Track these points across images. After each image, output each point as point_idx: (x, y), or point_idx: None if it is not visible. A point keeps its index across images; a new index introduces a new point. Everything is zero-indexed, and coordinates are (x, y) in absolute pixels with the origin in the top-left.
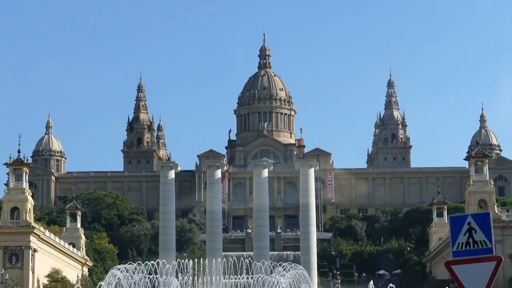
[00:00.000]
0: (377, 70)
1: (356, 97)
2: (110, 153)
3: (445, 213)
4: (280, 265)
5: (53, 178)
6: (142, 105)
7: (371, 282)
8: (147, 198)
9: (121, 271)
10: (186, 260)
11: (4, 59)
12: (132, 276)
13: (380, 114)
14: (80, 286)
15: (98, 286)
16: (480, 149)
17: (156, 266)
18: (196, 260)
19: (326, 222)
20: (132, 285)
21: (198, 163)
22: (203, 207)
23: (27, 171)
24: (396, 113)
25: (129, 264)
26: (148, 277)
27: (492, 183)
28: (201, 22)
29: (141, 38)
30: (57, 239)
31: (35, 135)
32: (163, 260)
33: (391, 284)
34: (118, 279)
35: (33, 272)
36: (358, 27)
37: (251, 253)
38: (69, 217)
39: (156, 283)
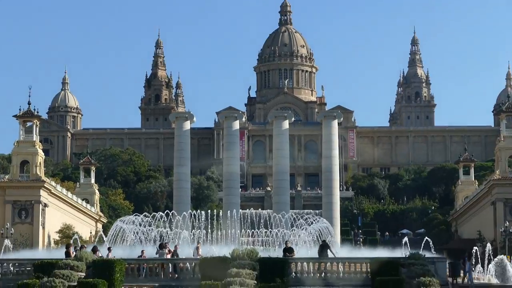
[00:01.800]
0: (401, 27)
1: (379, 55)
2: (127, 110)
3: (472, 171)
4: (302, 217)
5: (69, 134)
6: (160, 62)
7: (406, 239)
8: (164, 155)
9: (126, 223)
10: (199, 211)
11: (19, 13)
12: (139, 228)
13: (403, 72)
14: (77, 238)
15: (97, 237)
16: None
17: (165, 218)
18: (209, 211)
19: (347, 181)
20: (138, 238)
21: (217, 121)
22: (222, 164)
23: (38, 123)
24: (420, 71)
25: (135, 215)
26: (157, 230)
27: None
28: None
29: None
30: (69, 194)
31: (51, 91)
32: (173, 211)
33: (427, 238)
34: (123, 230)
35: (43, 228)
36: None
37: (270, 211)
38: (83, 172)
39: (166, 236)
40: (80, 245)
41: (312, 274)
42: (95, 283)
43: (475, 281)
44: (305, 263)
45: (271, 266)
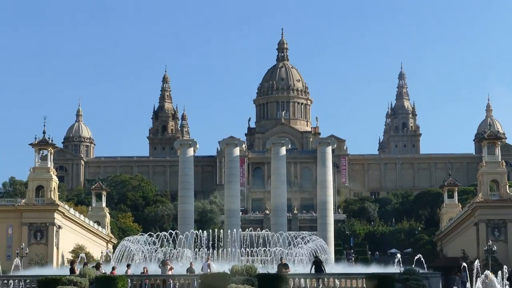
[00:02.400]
0: (389, 63)
1: (369, 88)
2: (136, 140)
3: (455, 194)
4: (299, 235)
5: (82, 162)
6: (167, 95)
7: (399, 256)
8: (171, 182)
9: (132, 242)
10: (201, 231)
11: (36, 49)
12: (144, 247)
13: (391, 104)
14: (83, 256)
15: (104, 255)
16: (493, 131)
17: (169, 237)
18: (210, 231)
19: (340, 205)
20: (143, 256)
21: (219, 149)
22: (224, 189)
23: (52, 151)
24: (406, 103)
25: (140, 235)
26: (161, 249)
27: (504, 164)
28: (222, 17)
29: (166, 31)
30: (82, 217)
31: (66, 122)
32: (176, 231)
33: (419, 255)
34: (129, 250)
35: (57, 248)
36: (372, 22)
37: (269, 232)
38: (94, 197)
39: (169, 254)
40: (85, 261)
41: None
42: None
43: None
44: (302, 279)
45: (269, 281)
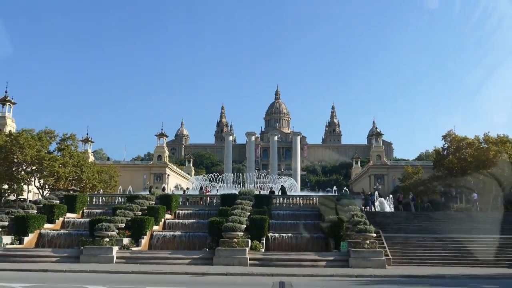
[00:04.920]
0: (324, 100)
1: (318, 113)
2: (208, 136)
3: (359, 162)
4: (281, 177)
5: (183, 146)
6: (223, 115)
7: (335, 187)
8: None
9: (197, 180)
10: (232, 174)
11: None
12: (202, 183)
13: (328, 120)
14: (165, 186)
15: (186, 187)
16: (378, 131)
17: (215, 178)
18: (236, 173)
19: (303, 167)
20: (201, 187)
21: (247, 140)
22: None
23: (166, 138)
24: (335, 120)
25: (202, 175)
26: (212, 184)
27: (383, 148)
28: (250, 79)
29: (223, 83)
30: (180, 171)
31: (175, 127)
32: (217, 173)
33: (345, 188)
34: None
35: (167, 185)
36: (317, 76)
37: (267, 179)
38: (187, 162)
39: (216, 187)
40: (164, 187)
41: (284, 205)
42: (158, 207)
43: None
44: (281, 198)
45: (261, 198)
